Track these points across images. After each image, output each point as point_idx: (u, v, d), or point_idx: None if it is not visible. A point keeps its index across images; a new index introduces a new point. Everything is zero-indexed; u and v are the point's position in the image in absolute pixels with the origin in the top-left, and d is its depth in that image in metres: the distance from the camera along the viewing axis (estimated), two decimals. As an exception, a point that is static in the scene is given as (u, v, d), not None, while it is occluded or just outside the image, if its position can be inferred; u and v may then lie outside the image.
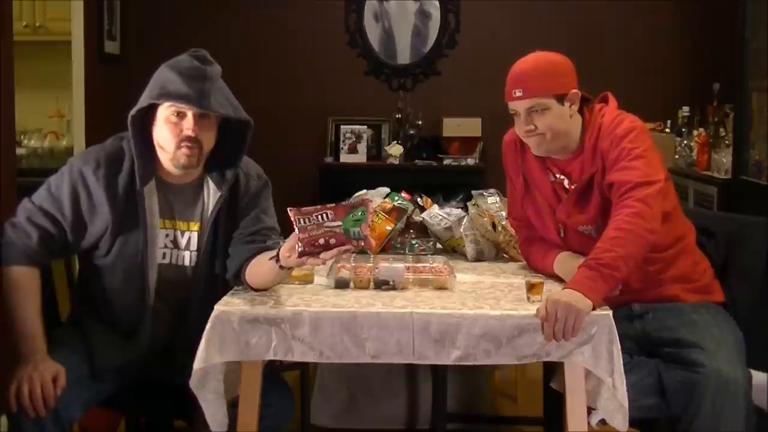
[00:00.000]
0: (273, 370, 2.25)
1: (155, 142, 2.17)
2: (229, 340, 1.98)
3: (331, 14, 5.33)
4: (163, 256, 2.22)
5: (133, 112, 2.13)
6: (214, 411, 2.03)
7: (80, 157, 2.23)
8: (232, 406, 2.06)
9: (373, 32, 5.34)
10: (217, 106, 2.12)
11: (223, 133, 2.21)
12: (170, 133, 2.12)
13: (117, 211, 2.15)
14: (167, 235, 2.22)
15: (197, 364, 1.97)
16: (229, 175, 2.23)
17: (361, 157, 5.09)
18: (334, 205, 1.93)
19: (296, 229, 1.91)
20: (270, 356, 2.00)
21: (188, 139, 2.12)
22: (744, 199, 3.76)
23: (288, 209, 1.92)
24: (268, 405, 2.12)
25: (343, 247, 1.93)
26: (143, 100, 2.12)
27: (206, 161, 2.23)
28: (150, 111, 2.14)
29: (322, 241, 1.91)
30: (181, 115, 2.11)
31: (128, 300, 2.20)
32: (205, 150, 2.17)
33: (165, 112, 2.12)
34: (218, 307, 2.00)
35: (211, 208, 2.24)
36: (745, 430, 2.04)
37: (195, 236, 2.24)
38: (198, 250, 2.24)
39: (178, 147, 2.13)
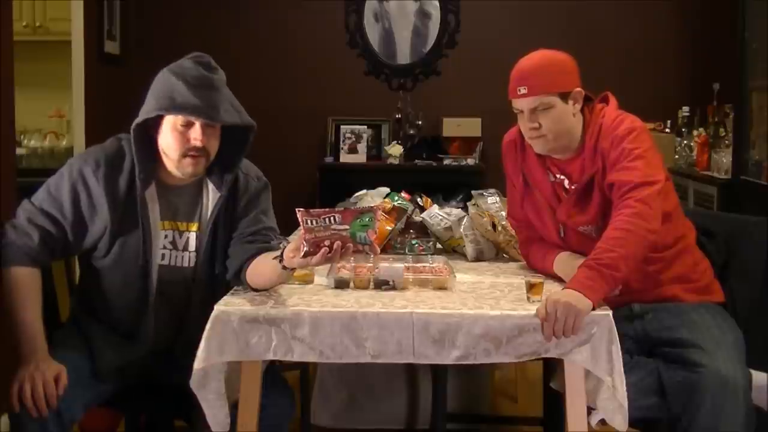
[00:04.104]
0: (273, 370, 2.25)
1: (160, 149, 2.16)
2: (229, 340, 1.97)
3: (331, 14, 5.34)
4: (163, 257, 2.22)
5: (138, 120, 2.12)
6: (214, 411, 2.03)
7: (80, 157, 2.23)
8: (233, 406, 2.06)
9: (373, 32, 5.35)
10: (225, 116, 2.12)
11: (224, 135, 2.20)
12: (177, 142, 2.12)
13: (117, 212, 2.15)
14: (167, 236, 2.22)
15: (197, 364, 1.97)
16: (228, 177, 2.23)
17: (361, 157, 5.10)
18: (342, 209, 1.95)
19: (303, 229, 1.92)
20: (270, 356, 2.00)
21: (195, 149, 2.12)
22: (744, 199, 3.76)
23: (296, 209, 1.93)
24: (268, 405, 2.12)
25: (349, 249, 1.92)
26: (150, 110, 2.11)
27: None
28: (153, 117, 2.13)
29: (327, 242, 1.91)
30: (188, 125, 2.11)
31: (128, 301, 2.20)
32: (211, 157, 2.18)
33: (172, 120, 2.12)
34: (218, 307, 2.00)
35: (210, 209, 2.24)
36: (744, 430, 2.04)
37: (194, 237, 2.24)
38: (197, 250, 2.24)
39: (184, 156, 2.13)
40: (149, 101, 2.13)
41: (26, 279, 2.11)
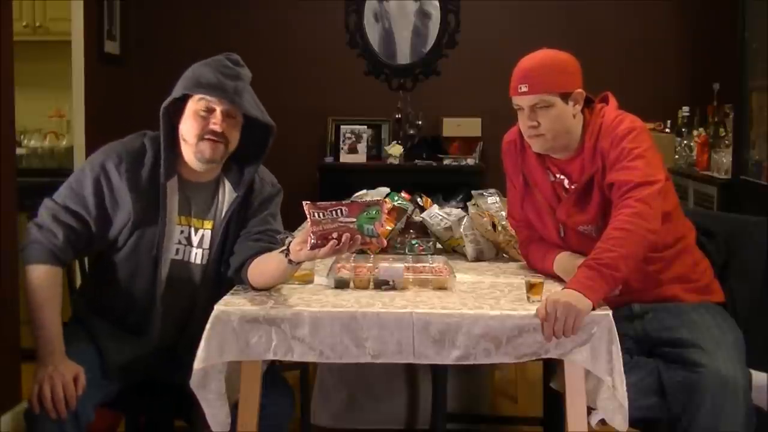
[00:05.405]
0: (273, 370, 2.26)
1: (180, 136, 2.20)
2: (229, 340, 1.97)
3: (331, 14, 5.34)
4: (176, 252, 2.24)
5: (165, 103, 2.17)
6: (214, 411, 2.03)
7: (101, 152, 2.24)
8: (233, 406, 2.06)
9: (373, 32, 5.35)
10: (247, 106, 2.17)
11: (245, 136, 2.24)
12: (197, 125, 2.16)
13: (139, 204, 2.17)
14: (182, 232, 2.24)
15: (197, 364, 1.97)
16: (247, 177, 2.26)
17: (361, 157, 5.09)
18: (349, 202, 1.96)
19: (310, 222, 1.92)
20: (270, 356, 2.00)
21: (213, 132, 2.15)
22: (744, 199, 3.76)
23: (303, 202, 1.94)
24: (268, 405, 2.13)
25: (357, 241, 1.93)
26: (176, 91, 2.16)
27: (224, 163, 2.25)
28: (179, 106, 2.17)
29: (335, 235, 1.92)
30: (209, 111, 2.15)
31: (138, 293, 2.22)
32: (230, 148, 2.21)
33: (195, 106, 2.16)
34: (218, 307, 2.00)
35: (225, 207, 2.27)
36: (744, 430, 2.04)
37: (208, 234, 2.26)
38: (210, 248, 2.26)
39: (202, 139, 2.16)
40: (177, 86, 2.18)
41: (49, 279, 2.12)
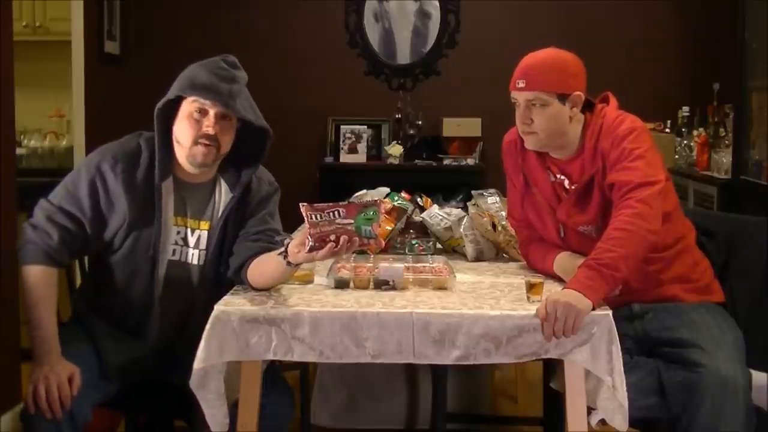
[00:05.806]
0: (273, 370, 2.26)
1: (174, 138, 2.19)
2: (229, 340, 1.97)
3: (331, 14, 5.34)
4: (173, 253, 2.23)
5: (159, 105, 2.16)
6: (214, 411, 2.03)
7: (97, 153, 2.24)
8: (233, 406, 2.06)
9: (373, 32, 5.35)
10: (241, 109, 2.15)
11: (239, 140, 2.23)
12: (190, 129, 2.15)
13: (134, 205, 2.17)
14: (179, 232, 2.24)
15: (197, 364, 1.97)
16: (245, 178, 2.25)
17: (361, 157, 5.10)
18: (346, 203, 1.95)
19: (307, 224, 1.92)
20: (270, 356, 2.00)
21: (206, 136, 2.14)
22: (744, 199, 3.76)
23: (300, 204, 1.93)
24: (268, 405, 2.13)
25: (355, 243, 1.93)
26: (171, 92, 2.15)
27: (221, 163, 2.25)
28: (174, 107, 2.17)
29: (333, 237, 1.92)
30: (203, 113, 2.14)
31: (136, 294, 2.21)
32: (222, 152, 2.20)
33: (188, 107, 2.15)
34: (218, 307, 2.00)
35: (222, 208, 2.26)
36: (744, 430, 2.04)
37: (205, 235, 2.26)
38: (207, 249, 2.25)
39: (195, 143, 2.15)
40: (172, 87, 2.17)
41: (43, 279, 2.11)
